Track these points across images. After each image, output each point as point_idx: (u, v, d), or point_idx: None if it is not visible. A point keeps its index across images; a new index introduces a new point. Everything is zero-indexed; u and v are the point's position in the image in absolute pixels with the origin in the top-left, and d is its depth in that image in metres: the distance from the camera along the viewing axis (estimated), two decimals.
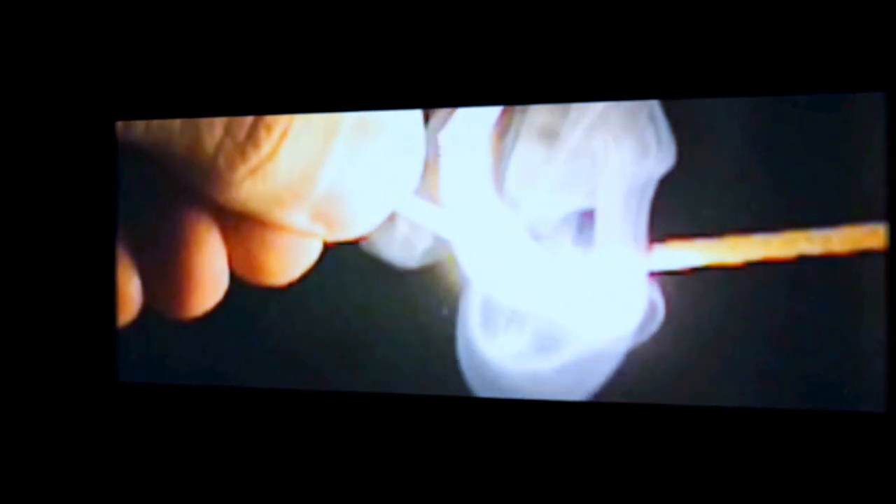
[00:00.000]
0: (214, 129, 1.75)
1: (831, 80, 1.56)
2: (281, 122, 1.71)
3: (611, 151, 1.61)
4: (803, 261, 1.53)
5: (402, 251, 1.71)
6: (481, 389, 1.68)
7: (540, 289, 1.65)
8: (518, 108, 1.66)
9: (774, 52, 1.59)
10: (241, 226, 1.75)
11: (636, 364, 1.61)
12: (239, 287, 1.77)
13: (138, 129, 1.81)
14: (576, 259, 1.63)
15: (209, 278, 1.79)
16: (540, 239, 1.64)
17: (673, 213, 1.59)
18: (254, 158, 1.71)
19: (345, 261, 1.73)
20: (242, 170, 1.72)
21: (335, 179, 1.69)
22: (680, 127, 1.59)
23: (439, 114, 1.70)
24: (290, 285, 1.75)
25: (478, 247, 1.68)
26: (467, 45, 1.73)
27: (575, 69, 1.68)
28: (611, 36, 1.66)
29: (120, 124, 1.84)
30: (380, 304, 1.73)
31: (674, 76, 1.63)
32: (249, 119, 1.73)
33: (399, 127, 1.70)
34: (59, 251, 1.93)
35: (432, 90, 1.74)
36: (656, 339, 1.60)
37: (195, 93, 1.84)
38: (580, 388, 1.64)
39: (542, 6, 1.70)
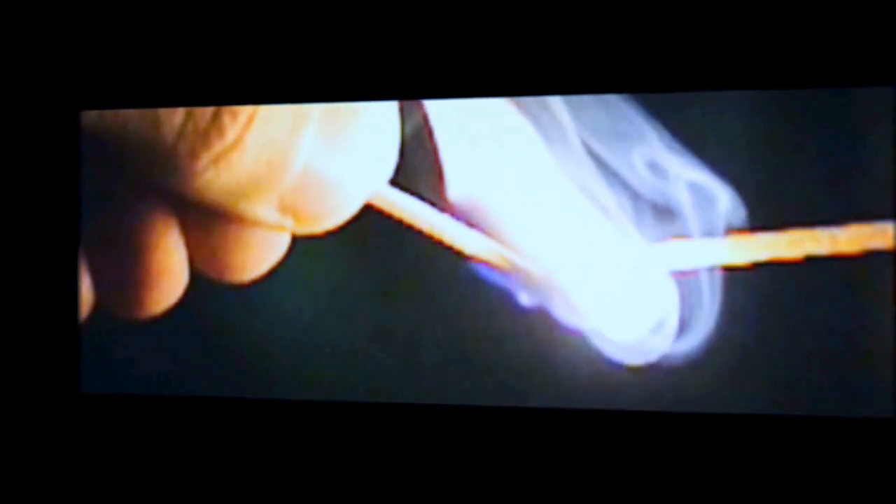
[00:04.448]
0: (175, 115, 1.65)
1: (837, 74, 1.51)
2: (247, 107, 1.62)
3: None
4: (811, 261, 1.47)
5: None
6: None
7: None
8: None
9: (779, 45, 1.53)
10: (203, 219, 1.65)
11: (636, 369, 1.55)
12: (200, 285, 1.67)
13: (92, 118, 1.71)
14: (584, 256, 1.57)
15: (167, 275, 1.69)
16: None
17: (676, 211, 1.52)
18: (217, 146, 1.61)
19: (315, 256, 1.64)
20: (205, 158, 1.62)
21: (305, 169, 1.60)
22: (682, 121, 1.52)
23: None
24: (256, 282, 1.65)
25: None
26: (444, 36, 1.65)
27: (567, 60, 1.60)
28: (610, 28, 1.59)
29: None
30: (353, 303, 1.64)
31: (677, 69, 1.56)
32: None
33: (373, 113, 1.62)
34: (15, 249, 1.81)
35: (406, 81, 1.65)
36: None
37: (164, 82, 1.74)
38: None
39: None
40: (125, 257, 1.70)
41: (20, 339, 1.81)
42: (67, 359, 1.77)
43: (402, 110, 1.61)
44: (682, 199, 1.52)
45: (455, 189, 1.59)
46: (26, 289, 1.81)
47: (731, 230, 1.50)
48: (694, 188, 1.51)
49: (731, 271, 1.51)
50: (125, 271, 1.70)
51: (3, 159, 1.82)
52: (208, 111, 1.62)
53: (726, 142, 1.52)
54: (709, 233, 1.51)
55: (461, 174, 1.59)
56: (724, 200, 1.51)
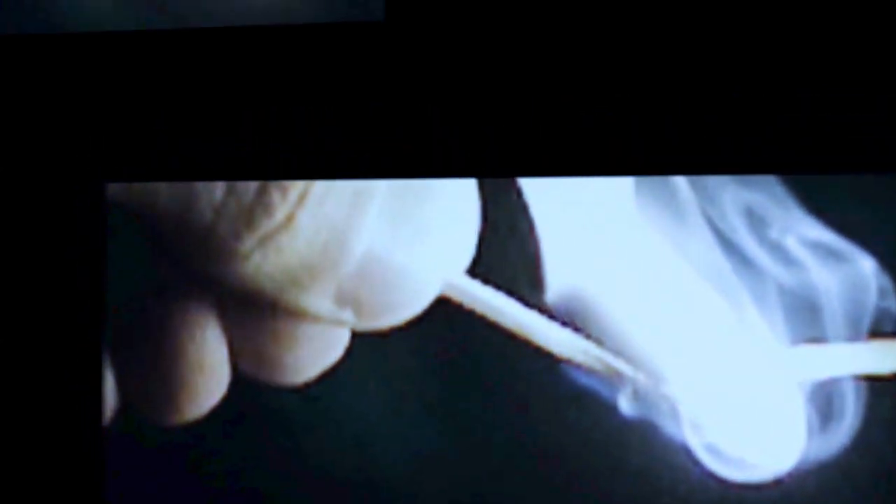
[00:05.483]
0: (213, 188, 1.50)
1: None
2: (299, 182, 1.48)
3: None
4: None
5: None
6: None
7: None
8: None
9: None
10: (247, 310, 1.51)
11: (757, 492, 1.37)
12: (243, 386, 1.51)
13: (119, 191, 1.56)
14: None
15: (205, 374, 1.53)
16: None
17: (808, 308, 1.35)
18: (264, 226, 1.49)
19: (379, 356, 1.47)
20: (249, 240, 1.49)
21: (367, 254, 1.47)
22: (825, 205, 1.36)
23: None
24: (309, 385, 1.49)
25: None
26: (535, 103, 1.48)
27: (695, 136, 1.43)
28: (743, 104, 1.42)
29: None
30: (423, 410, 1.47)
31: (821, 147, 1.40)
32: None
33: (448, 191, 1.46)
34: (31, 340, 1.64)
35: (489, 155, 1.50)
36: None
37: (201, 152, 1.59)
38: None
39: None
40: (156, 353, 1.54)
41: (38, 445, 1.63)
42: (91, 468, 1.59)
43: (484, 188, 1.44)
44: (822, 293, 1.35)
45: (555, 281, 1.42)
46: (44, 388, 1.63)
47: (875, 333, 1.33)
48: (835, 281, 1.34)
49: (873, 381, 1.33)
50: (156, 369, 1.54)
51: (18, 237, 1.65)
52: (252, 185, 1.49)
53: (872, 230, 1.35)
54: (850, 336, 1.34)
55: (561, 264, 1.42)
56: (871, 296, 1.33)
